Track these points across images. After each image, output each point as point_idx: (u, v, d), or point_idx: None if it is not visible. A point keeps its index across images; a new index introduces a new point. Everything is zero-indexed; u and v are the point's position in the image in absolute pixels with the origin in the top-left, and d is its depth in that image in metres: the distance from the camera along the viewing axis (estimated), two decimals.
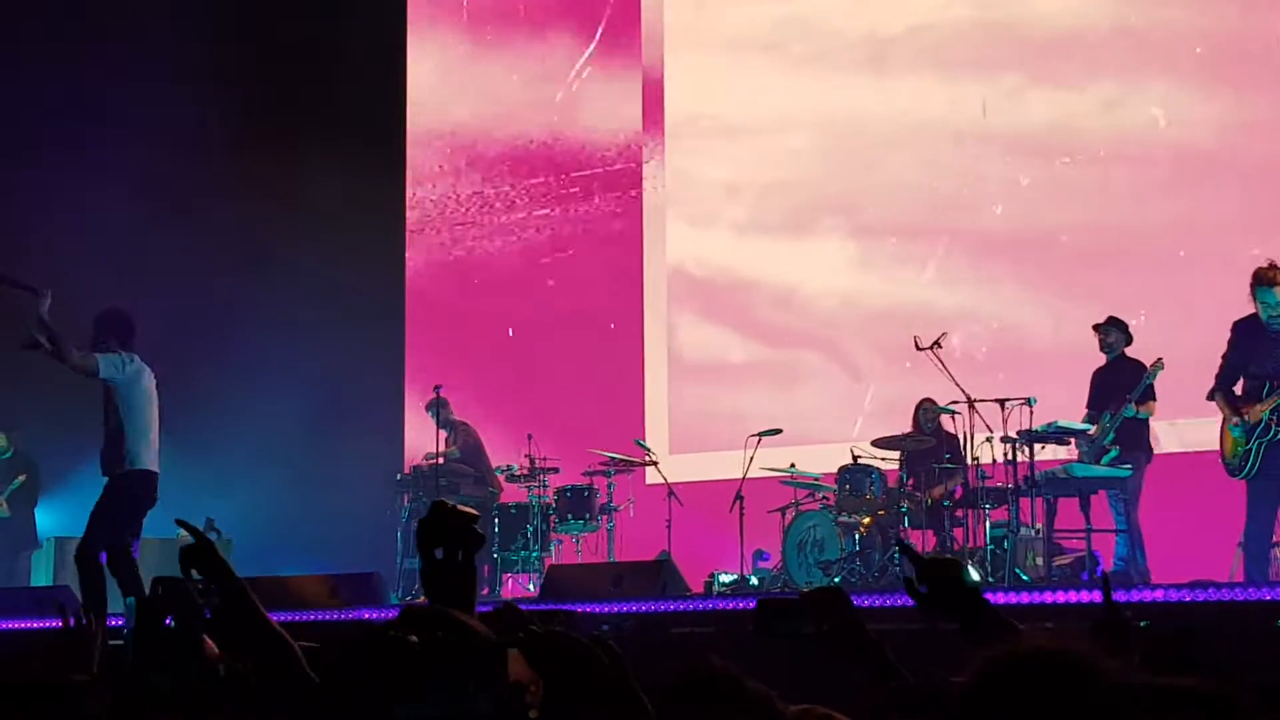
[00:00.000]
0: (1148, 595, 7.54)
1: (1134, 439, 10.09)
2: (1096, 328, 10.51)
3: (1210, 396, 9.18)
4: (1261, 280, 8.87)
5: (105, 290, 9.85)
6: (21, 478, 13.52)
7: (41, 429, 13.74)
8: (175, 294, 13.65)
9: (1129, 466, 10.00)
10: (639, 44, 14.79)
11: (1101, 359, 10.55)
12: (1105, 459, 10.09)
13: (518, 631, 2.46)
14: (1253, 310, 8.99)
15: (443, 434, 12.95)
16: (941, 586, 3.01)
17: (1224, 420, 9.06)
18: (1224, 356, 9.16)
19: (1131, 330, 10.51)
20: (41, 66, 14.14)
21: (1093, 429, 10.24)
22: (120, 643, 8.20)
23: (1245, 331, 9.04)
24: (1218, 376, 9.16)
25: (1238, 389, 9.10)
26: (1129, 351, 10.46)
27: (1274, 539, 9.17)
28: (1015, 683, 2.18)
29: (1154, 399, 10.15)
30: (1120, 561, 9.84)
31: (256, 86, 15.39)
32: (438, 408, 12.87)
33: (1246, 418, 8.84)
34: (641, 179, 14.68)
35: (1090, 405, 10.45)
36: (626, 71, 14.83)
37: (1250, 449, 8.80)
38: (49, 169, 14.14)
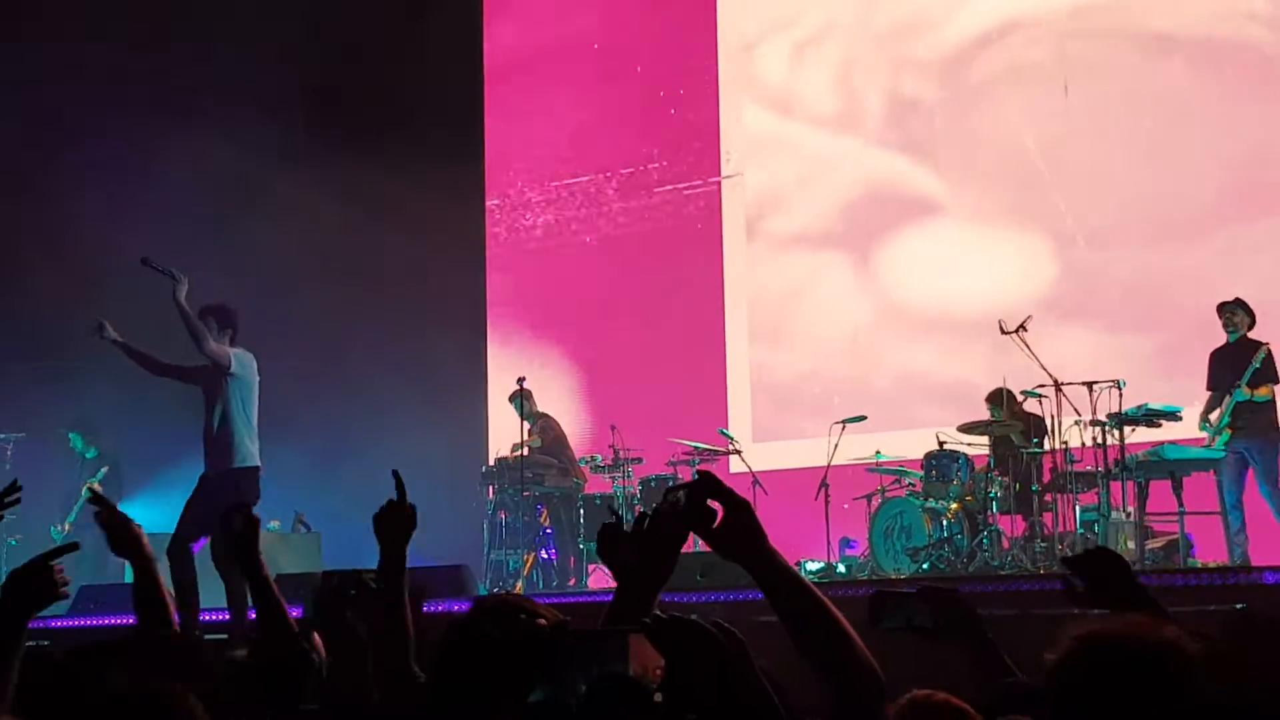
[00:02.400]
0: (1243, 578, 7.42)
1: (1257, 421, 9.91)
2: (1221, 308, 10.32)
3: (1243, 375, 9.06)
4: None
5: (192, 289, 9.90)
6: (105, 469, 13.74)
7: (123, 429, 13.93)
8: (258, 291, 13.75)
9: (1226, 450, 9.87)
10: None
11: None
12: (1219, 442, 9.96)
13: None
14: None
15: (526, 426, 12.98)
16: (1102, 579, 2.98)
17: None
18: None
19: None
20: (127, 63, 14.30)
21: (1214, 413, 10.10)
22: (222, 637, 8.32)
23: None
24: None
25: None
26: (1251, 334, 10.28)
27: None
28: (1101, 661, 2.16)
29: (1274, 381, 9.97)
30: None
31: (341, 86, 15.51)
32: (521, 400, 12.90)
33: None
34: (720, 165, 14.64)
35: (1209, 387, 10.29)
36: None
37: None
38: (134, 167, 14.30)
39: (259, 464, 9.24)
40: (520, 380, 12.83)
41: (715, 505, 2.57)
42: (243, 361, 9.16)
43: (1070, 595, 3.17)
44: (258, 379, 9.30)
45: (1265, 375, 9.94)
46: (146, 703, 2.15)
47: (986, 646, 3.28)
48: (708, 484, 2.59)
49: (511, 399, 12.96)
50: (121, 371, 10.68)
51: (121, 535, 3.80)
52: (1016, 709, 2.79)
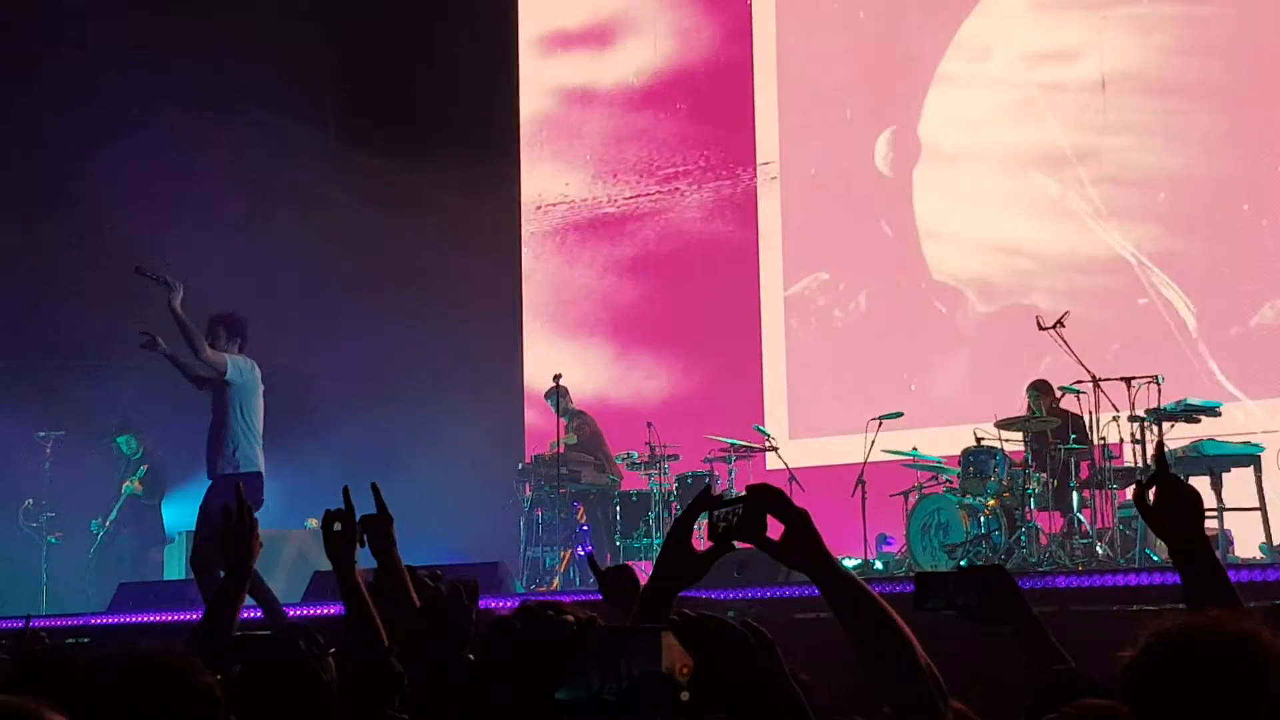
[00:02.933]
0: None
1: None
2: None
3: None
4: None
5: (223, 286, 9.97)
6: (145, 467, 13.82)
7: (166, 427, 14.00)
8: (294, 288, 13.84)
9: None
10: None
11: None
12: None
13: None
14: None
15: (562, 423, 12.99)
16: (1167, 502, 2.90)
17: None
18: None
19: None
20: (166, 65, 14.37)
21: None
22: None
23: None
24: None
25: None
26: None
27: None
28: (1182, 657, 2.13)
29: None
30: None
31: (373, 82, 15.56)
32: (557, 396, 12.91)
33: None
34: (756, 160, 14.62)
35: None
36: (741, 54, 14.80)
37: None
38: (173, 168, 14.37)
39: (260, 469, 9.30)
40: (556, 377, 12.84)
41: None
42: (240, 368, 9.21)
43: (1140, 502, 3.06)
44: (261, 386, 9.36)
45: None
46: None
47: (1033, 626, 3.26)
48: (764, 497, 2.54)
49: (548, 395, 12.98)
50: (158, 372, 10.76)
51: (239, 538, 3.81)
52: (1067, 697, 2.77)
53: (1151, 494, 2.93)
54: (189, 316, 8.97)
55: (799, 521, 2.50)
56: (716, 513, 2.59)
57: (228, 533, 3.80)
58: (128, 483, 13.69)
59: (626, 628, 2.49)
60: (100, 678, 2.76)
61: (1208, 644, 2.15)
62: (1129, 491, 10.43)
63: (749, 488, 2.60)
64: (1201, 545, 2.93)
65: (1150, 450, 9.79)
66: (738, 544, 2.58)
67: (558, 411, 12.94)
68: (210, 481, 9.29)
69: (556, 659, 2.46)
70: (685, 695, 2.19)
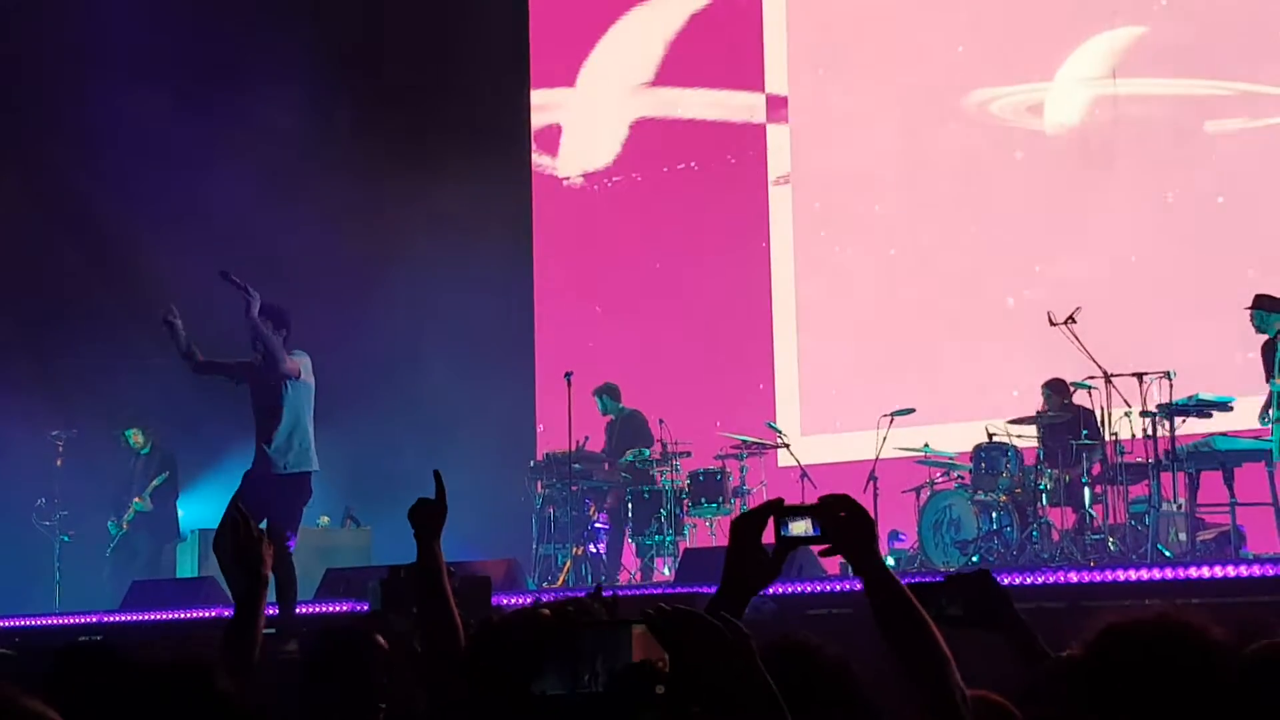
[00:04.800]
0: None
1: None
2: (1251, 314, 10.17)
3: None
4: None
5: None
6: (165, 474, 13.80)
7: (176, 424, 14.03)
8: (305, 290, 13.84)
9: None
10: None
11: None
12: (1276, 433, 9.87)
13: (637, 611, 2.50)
14: None
15: (608, 419, 13.04)
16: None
17: None
18: None
19: None
20: (169, 59, 14.39)
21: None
22: (273, 631, 8.38)
23: None
24: None
25: None
26: None
27: None
28: (1130, 649, 2.14)
29: None
30: None
31: (383, 79, 15.59)
32: (604, 395, 13.00)
33: None
34: (766, 155, 14.62)
35: (1268, 379, 10.16)
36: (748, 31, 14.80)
37: None
38: (176, 163, 14.39)
39: (317, 467, 9.29)
40: (568, 375, 12.82)
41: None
42: (306, 366, 9.19)
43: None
44: (315, 380, 9.34)
45: None
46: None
47: (1021, 631, 3.26)
48: (837, 503, 2.75)
49: (595, 394, 12.98)
50: (170, 370, 10.76)
51: (246, 551, 3.78)
52: (1057, 688, 2.78)
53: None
54: (197, 315, 8.96)
55: (860, 514, 2.71)
56: (787, 520, 2.75)
57: (238, 544, 3.77)
58: (139, 499, 13.70)
59: (601, 621, 2.51)
60: (122, 682, 2.78)
61: (1150, 635, 2.17)
62: (1141, 487, 10.42)
63: (823, 499, 2.77)
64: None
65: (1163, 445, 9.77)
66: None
67: (602, 411, 12.99)
68: (266, 476, 9.14)
69: (531, 653, 2.48)
70: (661, 689, 2.20)
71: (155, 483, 13.74)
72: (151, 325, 9.45)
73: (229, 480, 9.50)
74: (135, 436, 13.85)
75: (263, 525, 7.33)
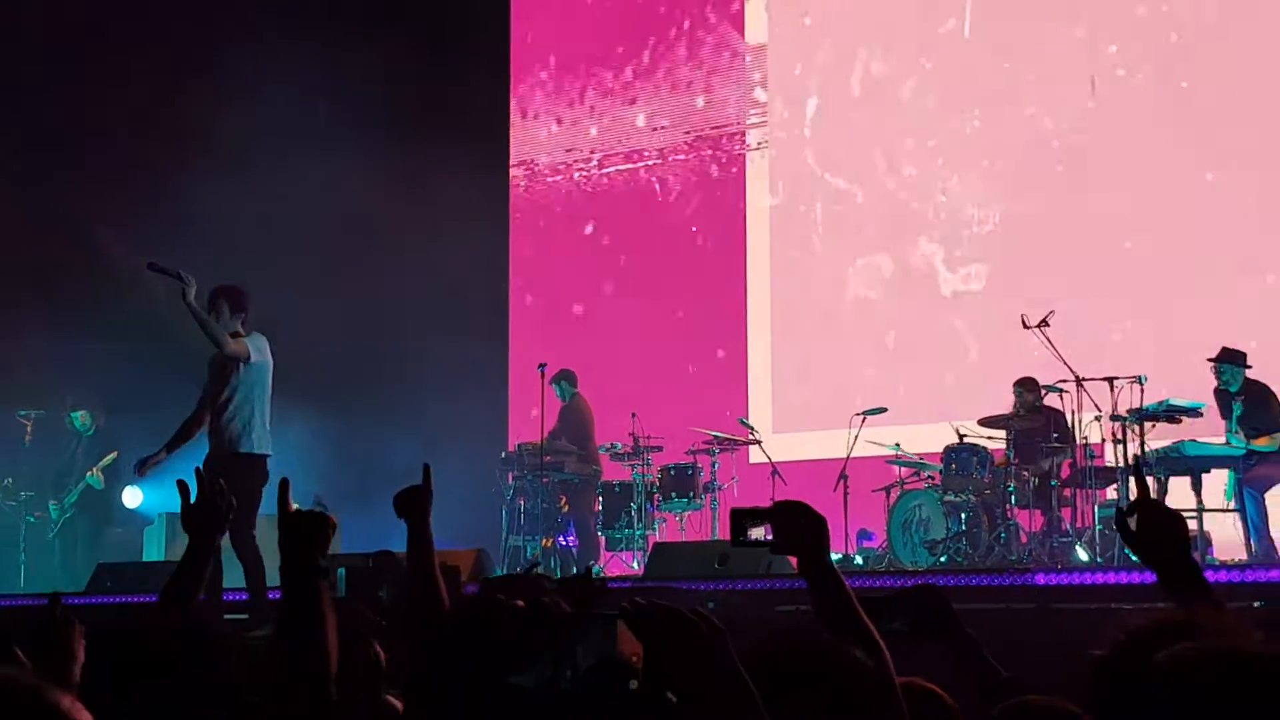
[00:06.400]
0: (1264, 575, 7.40)
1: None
2: (1215, 369, 10.20)
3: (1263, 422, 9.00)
4: None
5: (216, 278, 9.90)
6: (114, 454, 13.77)
7: (140, 407, 13.97)
8: (279, 272, 13.79)
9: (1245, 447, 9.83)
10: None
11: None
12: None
13: (588, 598, 2.50)
14: None
15: (559, 407, 13.00)
16: (1150, 528, 2.89)
17: None
18: None
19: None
20: (159, 45, 14.33)
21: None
22: (243, 616, 8.34)
23: None
24: None
25: None
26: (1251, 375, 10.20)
27: None
28: (1148, 655, 2.11)
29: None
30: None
31: (358, 73, 15.53)
32: (560, 382, 12.93)
33: None
34: (745, 153, 14.63)
35: (1225, 416, 10.19)
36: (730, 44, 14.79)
37: None
38: (159, 163, 14.33)
39: (270, 451, 9.24)
40: (541, 367, 12.82)
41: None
42: (260, 348, 9.14)
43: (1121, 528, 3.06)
44: (272, 362, 9.29)
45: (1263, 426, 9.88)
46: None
47: (968, 645, 3.26)
48: (791, 507, 2.89)
49: (552, 381, 12.89)
50: (137, 353, 10.74)
51: (209, 511, 3.77)
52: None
53: (1134, 521, 2.90)
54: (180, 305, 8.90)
55: (817, 527, 2.84)
56: (745, 518, 2.90)
57: (196, 508, 3.77)
58: (93, 472, 13.64)
59: (580, 614, 2.52)
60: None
61: (1171, 638, 2.14)
62: (1109, 491, 10.47)
63: (777, 503, 2.92)
64: (1190, 572, 2.88)
65: (1130, 458, 9.81)
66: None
67: (560, 396, 12.95)
68: (218, 456, 9.08)
69: (505, 643, 2.47)
70: (634, 684, 2.21)
71: (106, 461, 13.70)
72: (118, 308, 9.40)
73: (195, 465, 9.41)
74: (83, 418, 13.80)
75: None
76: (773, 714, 2.23)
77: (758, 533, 2.87)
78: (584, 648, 2.26)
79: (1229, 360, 10.13)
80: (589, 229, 15.46)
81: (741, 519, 2.91)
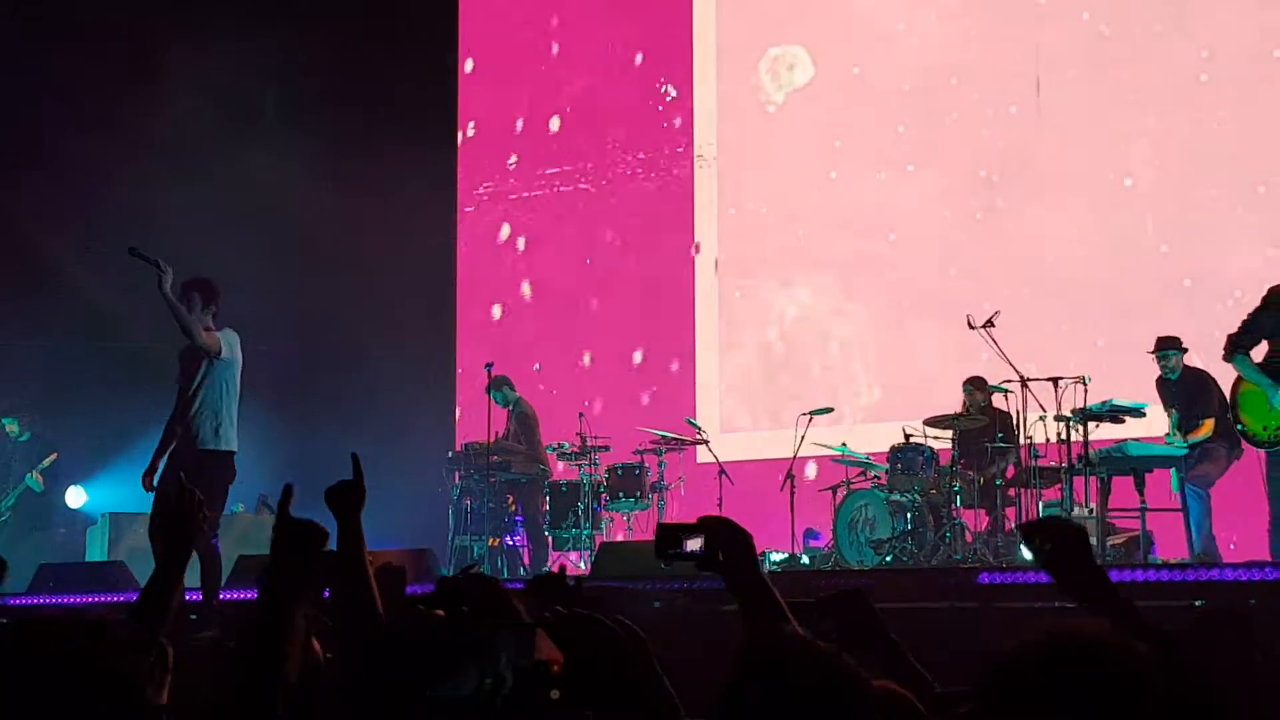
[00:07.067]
0: (1204, 575, 7.47)
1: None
2: (1156, 356, 10.28)
3: (1230, 358, 8.98)
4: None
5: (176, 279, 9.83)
6: (54, 455, 13.66)
7: (81, 409, 13.87)
8: (227, 271, 13.71)
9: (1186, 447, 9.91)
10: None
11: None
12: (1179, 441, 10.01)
13: (556, 597, 2.49)
14: None
15: (506, 412, 12.96)
16: (1061, 549, 2.95)
17: (1240, 386, 8.91)
18: (1252, 318, 8.94)
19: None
20: (97, 53, 14.22)
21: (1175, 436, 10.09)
22: (194, 617, 8.26)
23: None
24: (1236, 339, 8.96)
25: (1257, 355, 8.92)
26: (1189, 361, 10.28)
27: None
28: (1044, 667, 2.12)
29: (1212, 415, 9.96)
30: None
31: (308, 68, 15.47)
32: (499, 387, 12.87)
33: None
34: (693, 155, 14.64)
35: (1168, 408, 10.26)
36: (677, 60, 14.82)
37: None
38: (103, 162, 14.22)
39: (235, 448, 9.17)
40: (488, 366, 12.79)
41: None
42: (231, 344, 9.09)
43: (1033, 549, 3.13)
44: (242, 359, 9.23)
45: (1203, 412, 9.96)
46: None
47: (892, 651, 3.26)
48: (717, 524, 2.96)
49: (488, 389, 12.83)
50: (78, 355, 10.65)
51: (181, 519, 3.70)
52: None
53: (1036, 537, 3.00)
54: (138, 304, 8.83)
55: (743, 542, 2.91)
56: (671, 534, 2.92)
57: (171, 513, 3.72)
58: (32, 474, 13.52)
59: (500, 623, 2.51)
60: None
61: (1060, 652, 2.15)
62: (1054, 491, 10.54)
63: (702, 519, 2.94)
64: (1094, 579, 2.96)
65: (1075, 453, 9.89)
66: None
67: (501, 403, 12.90)
68: (186, 451, 9.01)
69: (426, 654, 2.46)
70: (555, 694, 2.20)
71: (46, 462, 13.60)
72: (58, 308, 9.32)
73: (139, 466, 9.33)
74: (10, 426, 13.69)
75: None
76: None
77: (694, 544, 2.88)
78: (504, 657, 2.25)
79: (1167, 346, 10.22)
80: (537, 228, 15.43)
81: (667, 535, 2.92)
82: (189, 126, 13.91)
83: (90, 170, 14.12)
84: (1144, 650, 2.12)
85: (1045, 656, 2.11)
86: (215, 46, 13.84)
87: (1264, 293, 9.00)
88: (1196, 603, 6.93)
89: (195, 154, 14.01)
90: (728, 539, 2.88)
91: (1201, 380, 10.10)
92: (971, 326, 10.54)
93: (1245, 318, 9.00)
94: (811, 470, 12.36)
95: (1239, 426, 8.94)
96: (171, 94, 13.91)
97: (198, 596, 8.59)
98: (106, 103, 14.09)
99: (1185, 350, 10.22)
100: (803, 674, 2.37)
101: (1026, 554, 10.12)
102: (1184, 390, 10.09)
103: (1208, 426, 9.89)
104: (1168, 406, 10.20)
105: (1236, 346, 8.91)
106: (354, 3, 15.35)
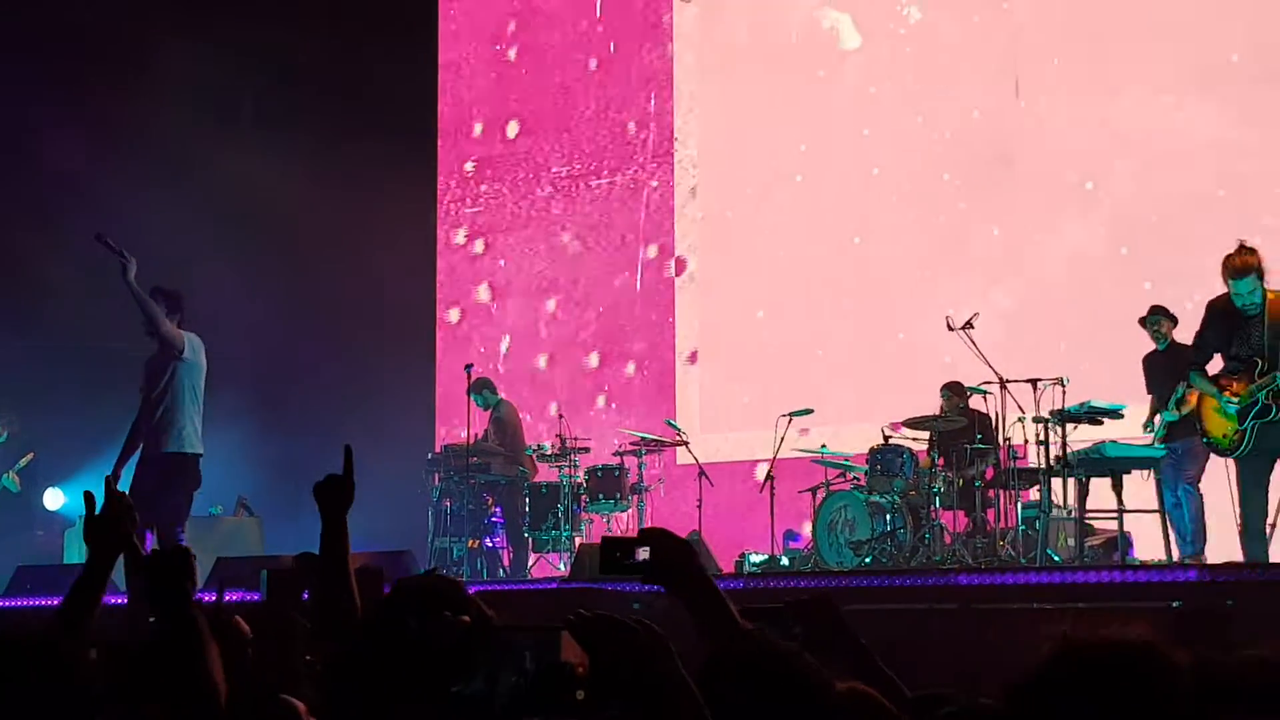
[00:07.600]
0: (1181, 576, 7.49)
1: (1184, 425, 9.92)
2: (1144, 321, 10.35)
3: (1188, 377, 9.09)
4: (1232, 271, 8.74)
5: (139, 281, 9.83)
6: (30, 455, 13.63)
7: (56, 411, 13.82)
8: (202, 270, 13.69)
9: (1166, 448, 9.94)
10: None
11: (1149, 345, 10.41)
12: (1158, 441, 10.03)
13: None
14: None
15: (489, 413, 12.94)
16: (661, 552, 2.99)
17: (1201, 400, 8.97)
18: (1199, 335, 9.04)
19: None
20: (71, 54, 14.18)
21: (1157, 419, 10.12)
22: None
23: (1221, 313, 8.91)
24: (1193, 359, 9.04)
25: (1211, 369, 9.00)
26: (1178, 335, 10.31)
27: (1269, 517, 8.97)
28: (1086, 671, 2.12)
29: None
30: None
31: (290, 71, 15.45)
32: (480, 389, 12.86)
33: (1238, 396, 8.72)
34: (674, 158, 14.65)
35: (1149, 391, 10.30)
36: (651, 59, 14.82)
37: (1246, 429, 8.68)
38: (77, 163, 14.18)
39: (201, 451, 9.19)
40: (468, 368, 12.79)
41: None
42: (194, 345, 9.12)
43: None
44: (205, 365, 9.26)
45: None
46: None
47: (860, 655, 3.27)
48: (658, 536, 2.98)
49: (469, 392, 12.81)
50: (53, 357, 10.58)
51: (113, 524, 3.66)
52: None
53: (643, 551, 3.04)
54: (110, 308, 8.85)
55: (684, 555, 2.93)
56: (617, 547, 2.93)
57: (99, 521, 3.67)
58: (9, 474, 13.48)
59: (525, 625, 2.53)
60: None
61: (1109, 655, 2.15)
62: (1032, 493, 10.57)
63: (643, 532, 2.96)
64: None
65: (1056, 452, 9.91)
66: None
67: (482, 406, 12.88)
68: (151, 456, 9.03)
69: (450, 656, 2.47)
70: (581, 694, 2.22)
71: (22, 463, 13.56)
72: (36, 309, 9.32)
73: (106, 473, 9.32)
74: None
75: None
76: None
77: (642, 554, 2.91)
78: (529, 657, 2.28)
79: (1157, 311, 10.26)
80: (516, 225, 15.42)
81: (613, 547, 2.95)
82: (168, 126, 13.88)
83: (68, 170, 14.07)
84: (1183, 658, 2.14)
85: (1081, 667, 2.12)
86: (192, 47, 13.82)
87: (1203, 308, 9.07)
88: (1174, 604, 6.95)
89: (175, 154, 13.97)
90: (671, 549, 2.92)
91: (1187, 355, 10.13)
92: (951, 328, 10.56)
93: (1194, 337, 9.09)
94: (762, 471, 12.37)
95: (1205, 440, 9.00)
96: (150, 93, 13.88)
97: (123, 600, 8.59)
98: (85, 101, 14.05)
99: (1175, 321, 10.25)
100: (765, 673, 2.39)
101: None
102: (1171, 362, 10.09)
103: (1194, 399, 9.92)
104: (1151, 386, 10.21)
105: (1192, 365, 9.03)
106: (335, 3, 15.31)
